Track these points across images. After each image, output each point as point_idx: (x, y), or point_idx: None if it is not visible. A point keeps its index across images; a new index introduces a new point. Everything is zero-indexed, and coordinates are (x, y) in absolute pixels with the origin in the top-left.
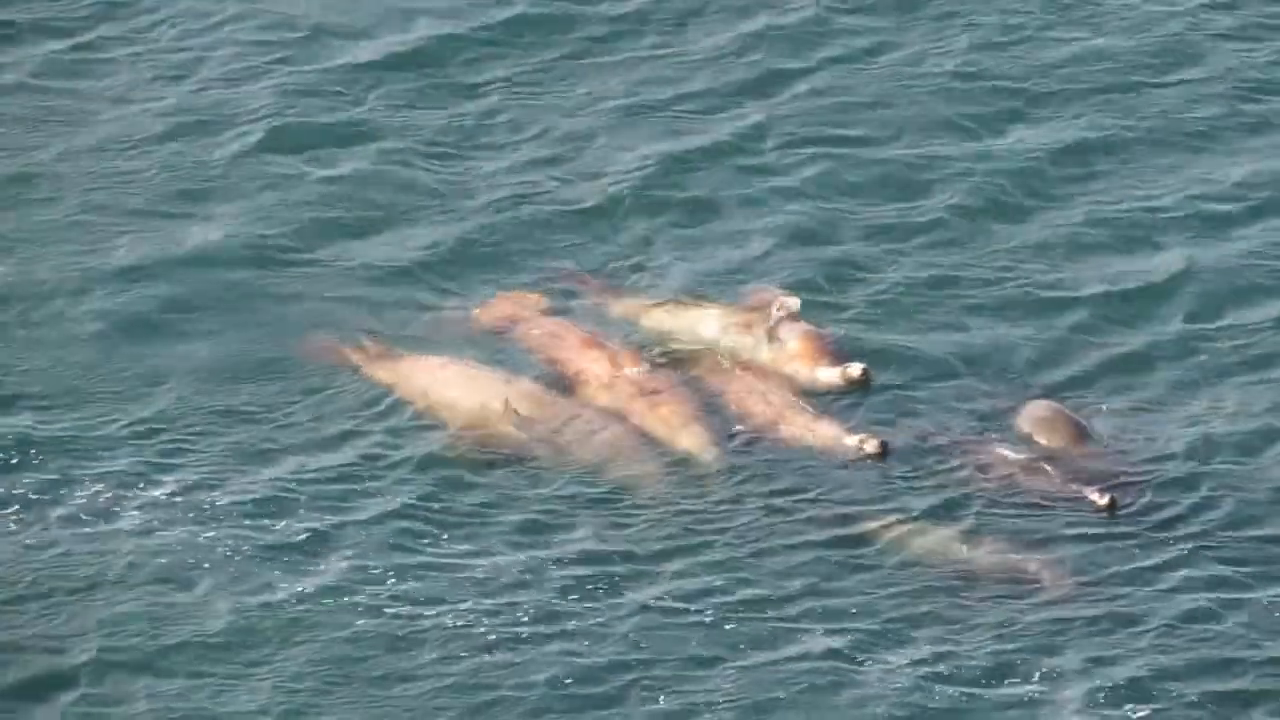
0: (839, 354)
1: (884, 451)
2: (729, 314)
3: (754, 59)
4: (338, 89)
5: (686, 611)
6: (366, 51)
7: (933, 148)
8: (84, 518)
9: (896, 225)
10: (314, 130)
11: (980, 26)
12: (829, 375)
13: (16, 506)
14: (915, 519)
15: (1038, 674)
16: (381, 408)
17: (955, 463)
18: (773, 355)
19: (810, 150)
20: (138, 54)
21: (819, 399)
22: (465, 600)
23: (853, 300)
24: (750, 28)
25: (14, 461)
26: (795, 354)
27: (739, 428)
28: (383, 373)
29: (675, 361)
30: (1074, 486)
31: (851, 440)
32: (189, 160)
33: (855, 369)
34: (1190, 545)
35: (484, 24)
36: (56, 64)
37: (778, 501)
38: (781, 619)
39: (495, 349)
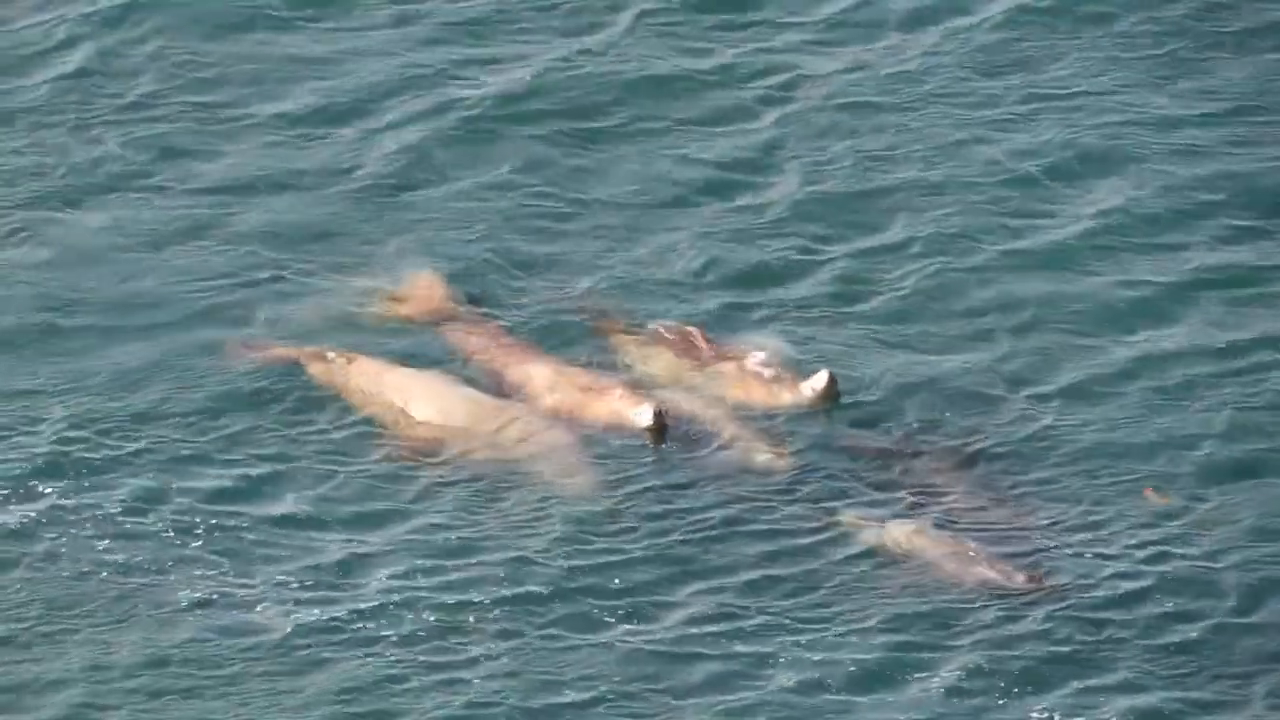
0: (800, 371)
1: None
2: (666, 344)
3: (713, 84)
4: (230, 79)
5: (645, 625)
6: (263, 42)
7: (913, 170)
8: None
9: (865, 249)
10: (209, 125)
11: (958, 49)
12: (797, 392)
13: None
14: (866, 522)
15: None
16: (321, 411)
17: (899, 475)
18: (732, 381)
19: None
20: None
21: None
22: (389, 613)
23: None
24: (708, 60)
25: None
26: (756, 377)
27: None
28: (317, 372)
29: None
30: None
31: (761, 455)
32: (86, 159)
33: (821, 379)
34: (1148, 553)
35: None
36: None
37: (720, 511)
38: (728, 626)
39: (420, 343)
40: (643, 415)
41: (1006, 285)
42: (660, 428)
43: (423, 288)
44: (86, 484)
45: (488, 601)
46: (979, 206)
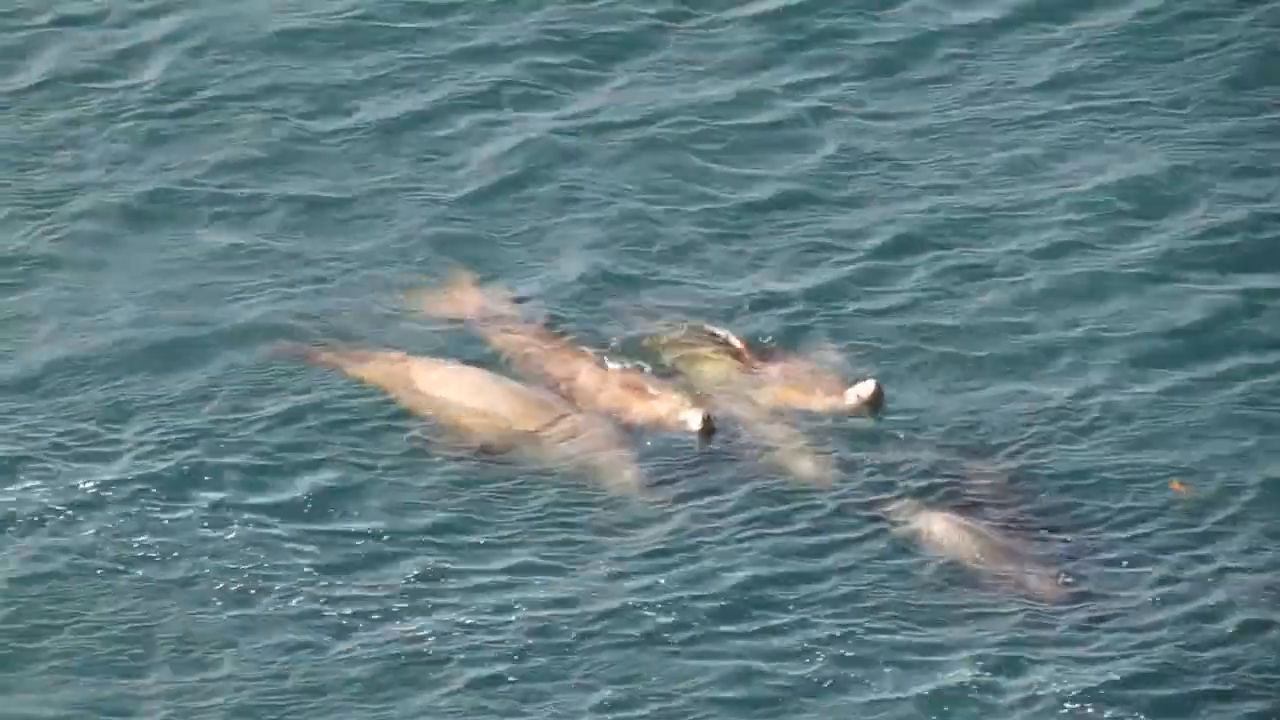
0: (844, 380)
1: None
2: (720, 350)
3: (756, 114)
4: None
5: (682, 621)
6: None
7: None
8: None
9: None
10: (281, 134)
11: (979, 85)
12: (842, 400)
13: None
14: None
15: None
16: (361, 409)
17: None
18: (778, 388)
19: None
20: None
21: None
22: (450, 610)
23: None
24: (757, 80)
25: None
26: (802, 383)
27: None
28: (364, 373)
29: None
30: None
31: (808, 462)
32: (146, 172)
33: (867, 388)
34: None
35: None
36: None
37: (770, 525)
38: (768, 621)
39: (468, 342)
40: (692, 420)
41: (1069, 304)
42: (709, 432)
43: (470, 287)
44: (161, 500)
45: (553, 616)
46: (1045, 227)
